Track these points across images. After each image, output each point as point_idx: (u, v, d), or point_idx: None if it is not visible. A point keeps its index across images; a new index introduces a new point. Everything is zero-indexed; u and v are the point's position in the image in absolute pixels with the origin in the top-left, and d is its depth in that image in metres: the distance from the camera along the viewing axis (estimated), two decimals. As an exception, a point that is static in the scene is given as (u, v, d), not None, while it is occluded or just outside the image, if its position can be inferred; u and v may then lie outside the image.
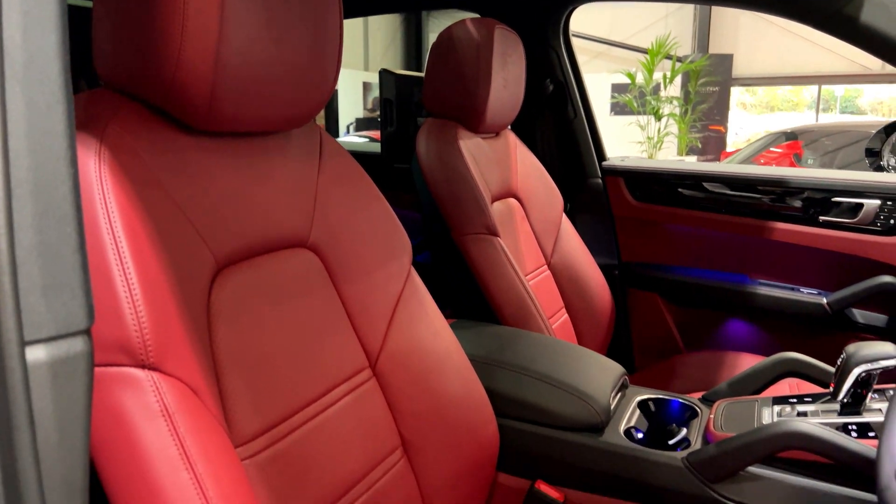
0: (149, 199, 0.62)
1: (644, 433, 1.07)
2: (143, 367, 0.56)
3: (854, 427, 0.93)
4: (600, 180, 1.91)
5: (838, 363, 0.98)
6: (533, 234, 1.60)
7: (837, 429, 0.93)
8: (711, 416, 1.07)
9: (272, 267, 0.77)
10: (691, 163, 2.72)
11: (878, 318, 1.64)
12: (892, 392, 1.01)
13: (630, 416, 1.09)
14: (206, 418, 0.59)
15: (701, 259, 1.85)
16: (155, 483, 0.54)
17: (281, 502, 0.70)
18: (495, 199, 1.46)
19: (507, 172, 1.54)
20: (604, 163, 1.92)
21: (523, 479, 1.06)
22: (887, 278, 1.56)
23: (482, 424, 0.98)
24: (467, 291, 1.35)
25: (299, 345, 0.78)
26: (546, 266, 1.60)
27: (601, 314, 1.67)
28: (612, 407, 1.08)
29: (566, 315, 1.62)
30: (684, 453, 0.98)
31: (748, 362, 1.56)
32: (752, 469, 0.93)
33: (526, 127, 1.90)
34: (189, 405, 0.57)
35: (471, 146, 1.39)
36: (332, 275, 0.86)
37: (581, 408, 1.03)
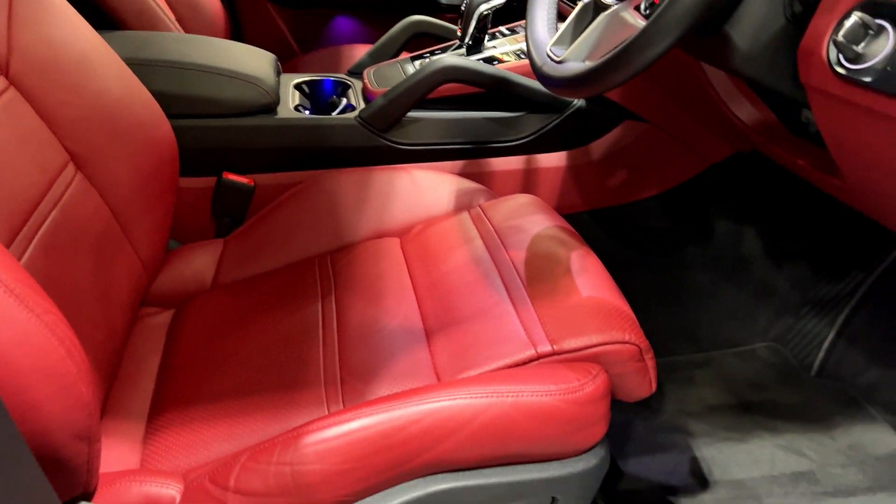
0: None
1: (311, 110, 1.11)
2: None
3: (482, 60, 1.11)
4: None
5: (462, 9, 1.12)
6: None
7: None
8: (365, 81, 1.15)
9: None
10: None
11: None
12: (506, 30, 1.21)
13: (293, 97, 1.11)
14: None
15: None
16: None
17: None
18: None
19: None
20: None
21: (209, 178, 1.03)
22: None
23: (153, 126, 0.89)
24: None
25: None
26: None
27: (215, 31, 1.57)
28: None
29: None
30: (356, 113, 1.06)
31: (363, 51, 1.67)
32: (413, 114, 1.06)
33: None
34: None
35: None
36: None
37: (251, 90, 1.00)
